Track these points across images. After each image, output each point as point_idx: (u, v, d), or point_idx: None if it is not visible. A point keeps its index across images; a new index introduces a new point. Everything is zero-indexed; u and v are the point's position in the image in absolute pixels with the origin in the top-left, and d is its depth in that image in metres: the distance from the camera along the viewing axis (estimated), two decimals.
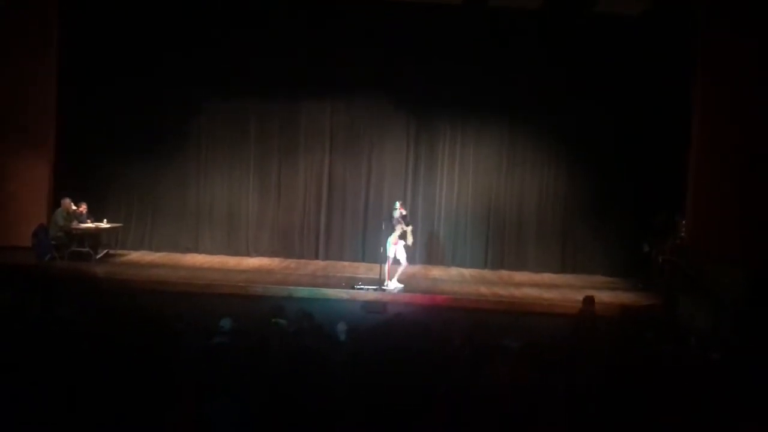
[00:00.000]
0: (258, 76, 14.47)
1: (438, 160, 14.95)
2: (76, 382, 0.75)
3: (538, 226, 14.79)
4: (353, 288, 11.45)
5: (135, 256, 14.06)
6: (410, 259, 14.15)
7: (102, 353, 0.78)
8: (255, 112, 14.91)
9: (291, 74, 14.42)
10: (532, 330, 8.17)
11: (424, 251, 14.79)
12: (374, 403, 1.25)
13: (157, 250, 14.66)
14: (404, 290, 11.51)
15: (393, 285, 11.57)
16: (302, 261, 14.40)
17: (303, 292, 11.14)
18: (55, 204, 13.22)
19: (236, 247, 14.90)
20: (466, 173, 14.93)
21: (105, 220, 13.59)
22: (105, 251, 13.54)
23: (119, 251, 14.17)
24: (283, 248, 14.89)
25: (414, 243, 12.08)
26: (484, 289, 12.24)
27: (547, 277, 14.00)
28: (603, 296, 11.89)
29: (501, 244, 14.84)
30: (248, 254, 14.74)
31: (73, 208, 13.02)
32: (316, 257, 14.77)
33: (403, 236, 11.71)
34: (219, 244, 14.90)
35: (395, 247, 11.72)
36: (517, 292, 12.09)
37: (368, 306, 10.43)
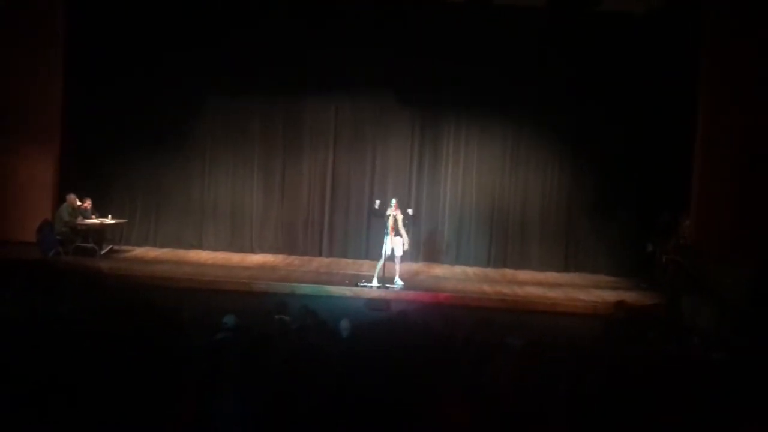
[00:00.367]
0: (263, 73, 14.49)
1: (442, 158, 14.94)
2: (79, 377, 0.75)
3: (542, 224, 14.78)
4: (357, 285, 11.46)
5: (139, 252, 14.09)
6: (414, 257, 14.17)
7: (105, 348, 0.79)
8: (260, 109, 14.92)
9: (295, 72, 14.43)
10: (534, 328, 8.17)
11: (428, 249, 14.79)
12: (372, 400, 1.26)
13: (162, 246, 14.69)
14: (404, 288, 11.49)
15: (398, 283, 11.58)
16: (306, 258, 14.42)
17: (306, 289, 11.15)
18: (60, 200, 13.26)
19: (240, 243, 14.92)
20: (470, 172, 14.92)
21: (110, 215, 13.63)
22: (109, 247, 13.57)
23: (124, 247, 14.21)
24: (287, 245, 14.91)
25: (409, 239, 11.91)
26: (487, 288, 12.24)
27: (550, 275, 13.99)
28: (606, 295, 11.90)
29: (504, 243, 14.83)
30: (252, 251, 14.76)
31: (78, 203, 13.07)
32: (320, 254, 14.78)
33: (396, 228, 11.56)
34: (223, 241, 14.92)
35: (390, 244, 11.61)
36: (521, 291, 12.09)
37: (371, 303, 10.43)
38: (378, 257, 11.75)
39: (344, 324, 6.58)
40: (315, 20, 14.03)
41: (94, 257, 12.56)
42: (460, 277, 13.39)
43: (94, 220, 13.17)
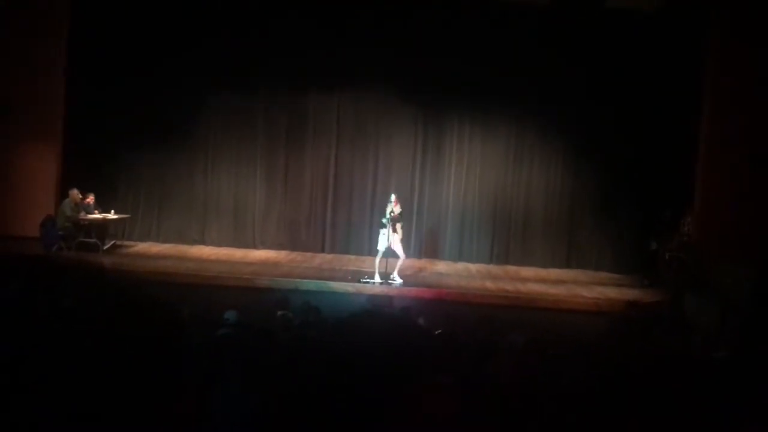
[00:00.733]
0: (266, 69, 14.47)
1: (445, 155, 14.92)
2: (81, 372, 0.75)
3: (545, 221, 14.76)
4: (359, 281, 11.46)
5: (142, 247, 14.10)
6: (416, 253, 14.16)
7: (107, 344, 0.78)
8: (263, 105, 14.92)
9: (299, 68, 14.41)
10: (537, 325, 8.17)
11: (431, 245, 14.79)
12: (358, 395, 1.26)
13: (164, 241, 14.70)
14: (404, 284, 11.48)
15: (396, 279, 11.57)
16: (308, 254, 14.42)
17: (309, 285, 11.15)
18: (63, 195, 13.26)
19: (243, 239, 14.93)
20: (473, 168, 14.90)
21: (112, 211, 13.63)
22: (112, 242, 13.59)
23: (126, 242, 14.22)
24: (290, 241, 14.91)
25: (400, 233, 11.80)
26: (490, 284, 12.23)
27: (552, 272, 13.97)
28: (608, 292, 11.90)
29: (507, 240, 14.82)
30: (255, 246, 14.77)
31: (80, 198, 13.06)
32: (323, 250, 14.78)
33: (394, 225, 11.51)
34: (226, 236, 14.93)
35: (389, 241, 11.54)
36: (523, 288, 12.08)
37: (374, 299, 10.42)
38: (377, 254, 11.74)
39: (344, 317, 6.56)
40: (318, 17, 14.02)
41: (97, 253, 12.57)
42: (462, 273, 13.39)
43: (97, 216, 13.18)
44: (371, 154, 14.95)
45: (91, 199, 13.25)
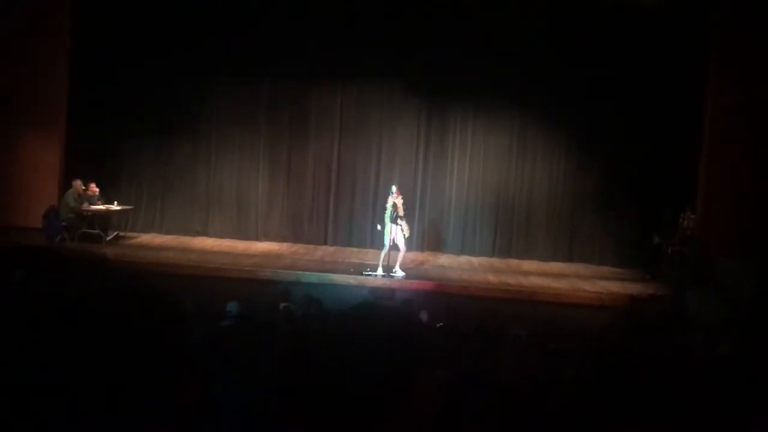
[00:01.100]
0: (269, 61, 14.44)
1: (448, 147, 14.90)
2: (83, 363, 0.75)
3: (547, 215, 14.74)
4: (361, 274, 11.47)
5: (145, 238, 14.12)
6: (419, 246, 14.16)
7: (109, 335, 0.78)
8: (266, 98, 14.89)
9: (302, 61, 14.38)
10: (539, 319, 8.18)
11: (433, 238, 14.79)
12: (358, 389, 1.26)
13: (167, 233, 14.71)
14: (405, 278, 11.48)
15: (398, 272, 11.57)
16: (311, 246, 14.42)
17: (311, 277, 11.16)
18: (66, 186, 13.27)
19: (245, 231, 14.94)
20: (476, 162, 14.88)
21: (115, 202, 13.63)
22: (115, 233, 13.60)
23: (129, 233, 14.23)
24: (292, 233, 14.92)
25: (407, 231, 11.79)
26: (492, 278, 12.24)
27: (555, 266, 13.96)
28: (610, 286, 11.90)
29: (510, 233, 14.80)
30: (257, 239, 14.78)
31: (83, 188, 13.05)
32: (325, 243, 14.79)
33: (394, 219, 11.48)
34: (228, 228, 14.94)
35: (392, 234, 11.54)
36: (525, 281, 12.08)
37: (376, 292, 10.44)
38: (381, 246, 11.74)
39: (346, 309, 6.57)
40: (322, 10, 13.97)
41: (100, 243, 12.58)
42: (465, 266, 13.38)
43: (100, 207, 13.17)
44: (374, 147, 14.94)
45: (93, 187, 13.22)
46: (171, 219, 14.93)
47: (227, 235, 14.79)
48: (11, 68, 13.59)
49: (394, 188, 11.80)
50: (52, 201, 13.26)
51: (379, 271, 11.49)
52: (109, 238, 13.13)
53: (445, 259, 13.96)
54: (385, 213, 11.64)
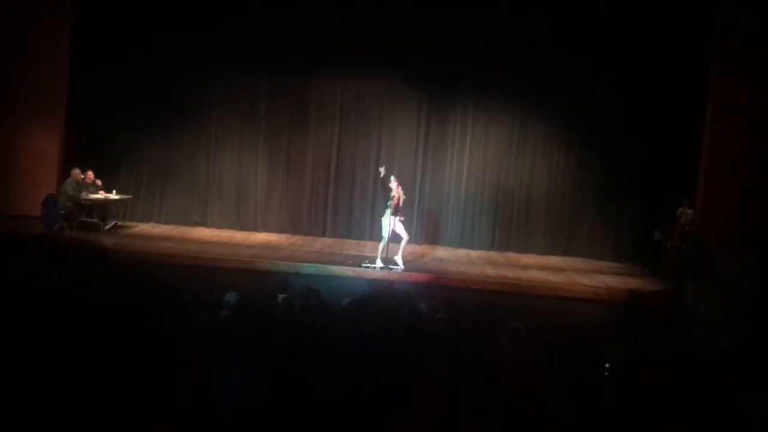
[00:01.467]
0: (269, 51, 14.42)
1: (448, 140, 14.88)
2: (81, 353, 0.74)
3: (547, 208, 14.74)
4: (360, 266, 11.46)
5: (143, 228, 14.11)
6: (418, 239, 14.14)
7: (107, 324, 0.77)
8: (266, 89, 14.87)
9: (303, 52, 14.32)
10: (537, 312, 8.18)
11: (432, 231, 14.78)
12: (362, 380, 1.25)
13: (166, 222, 14.71)
14: (405, 270, 11.46)
15: (399, 262, 11.56)
16: (309, 238, 14.42)
17: (310, 268, 11.16)
18: (65, 175, 13.25)
19: (244, 222, 14.94)
20: (476, 154, 14.86)
21: (114, 191, 13.62)
22: (114, 222, 13.58)
23: (128, 223, 14.22)
24: (291, 224, 14.91)
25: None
26: (490, 271, 12.24)
27: (553, 260, 13.96)
28: (608, 280, 11.90)
29: (509, 226, 14.80)
30: (256, 229, 14.77)
31: (81, 176, 13.02)
32: (324, 234, 14.79)
33: (395, 211, 11.44)
34: (227, 219, 14.94)
35: (391, 225, 11.49)
36: (524, 275, 12.09)
37: (374, 284, 10.44)
38: (380, 239, 11.72)
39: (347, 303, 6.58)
40: (323, 1, 13.92)
41: (98, 233, 12.57)
42: (463, 259, 13.39)
43: (99, 196, 13.15)
44: (374, 139, 14.92)
45: (90, 175, 13.15)
46: (170, 209, 14.92)
47: (226, 225, 14.79)
48: (11, 57, 13.55)
49: (392, 178, 11.67)
50: (51, 190, 13.25)
51: (378, 263, 11.48)
52: (107, 227, 13.12)
53: (443, 252, 13.96)
54: (387, 205, 11.53)
